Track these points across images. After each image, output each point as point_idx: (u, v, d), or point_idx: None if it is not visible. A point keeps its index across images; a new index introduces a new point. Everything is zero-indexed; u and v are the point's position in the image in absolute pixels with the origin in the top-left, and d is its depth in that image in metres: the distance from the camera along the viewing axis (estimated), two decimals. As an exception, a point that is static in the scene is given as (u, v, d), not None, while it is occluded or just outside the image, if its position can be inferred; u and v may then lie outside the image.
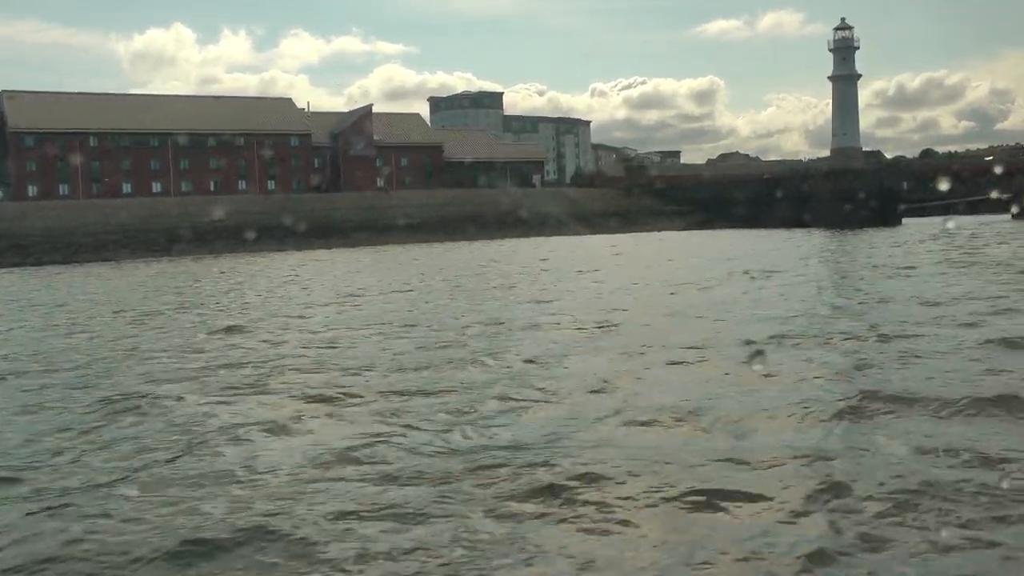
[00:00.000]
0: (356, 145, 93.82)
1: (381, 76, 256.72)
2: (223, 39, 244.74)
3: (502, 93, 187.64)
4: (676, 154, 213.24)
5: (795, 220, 69.66)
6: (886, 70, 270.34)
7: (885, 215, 67.29)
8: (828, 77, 76.74)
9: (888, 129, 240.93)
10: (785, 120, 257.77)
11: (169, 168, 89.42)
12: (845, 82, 75.84)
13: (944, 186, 56.75)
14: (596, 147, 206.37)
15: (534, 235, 66.17)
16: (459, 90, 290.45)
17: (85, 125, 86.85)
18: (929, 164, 75.85)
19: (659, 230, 73.27)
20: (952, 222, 45.26)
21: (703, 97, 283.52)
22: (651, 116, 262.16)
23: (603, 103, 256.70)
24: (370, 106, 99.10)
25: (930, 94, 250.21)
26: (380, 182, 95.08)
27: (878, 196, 67.52)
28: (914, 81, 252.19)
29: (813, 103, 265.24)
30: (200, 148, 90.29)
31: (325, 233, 68.11)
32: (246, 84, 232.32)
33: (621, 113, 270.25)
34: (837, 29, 75.17)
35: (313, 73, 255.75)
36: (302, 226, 64.34)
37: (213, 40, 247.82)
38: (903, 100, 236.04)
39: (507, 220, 70.14)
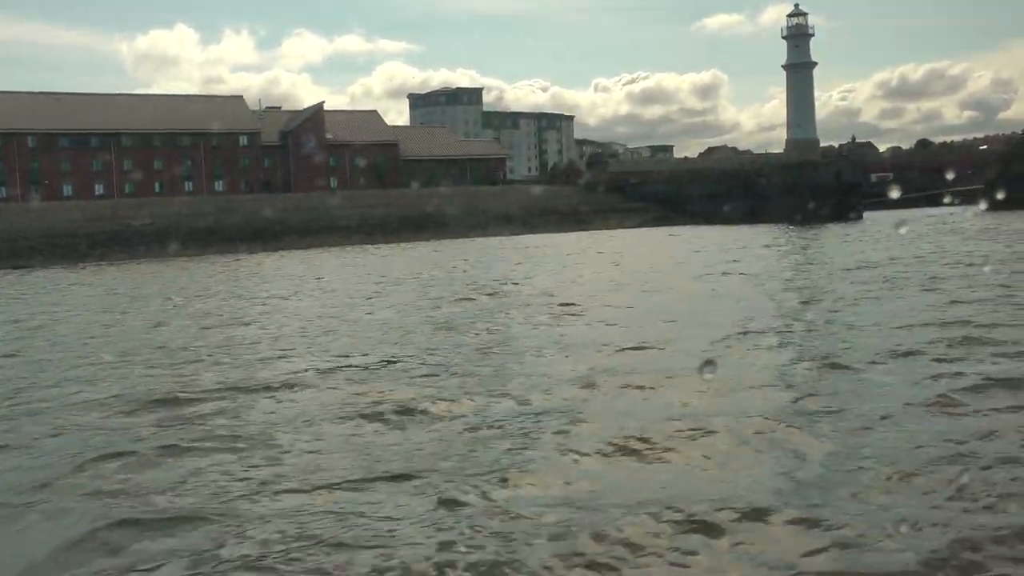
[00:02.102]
0: (307, 144, 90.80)
1: (384, 74, 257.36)
2: (226, 39, 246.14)
3: (481, 89, 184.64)
4: (669, 148, 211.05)
5: (752, 216, 66.85)
6: (888, 61, 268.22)
7: (843, 210, 64.40)
8: (782, 66, 73.35)
9: (892, 120, 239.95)
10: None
11: (112, 169, 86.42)
12: (799, 71, 72.31)
13: (895, 194, 54.44)
14: (581, 142, 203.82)
15: (451, 237, 62.96)
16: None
17: (23, 125, 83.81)
18: (892, 157, 73.04)
19: (612, 228, 70.27)
20: (904, 227, 42.27)
21: (706, 91, 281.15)
22: (654, 111, 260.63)
23: (606, 98, 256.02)
24: (321, 104, 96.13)
25: (933, 85, 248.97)
26: (334, 182, 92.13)
27: (836, 190, 64.65)
28: (917, 72, 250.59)
29: (817, 96, 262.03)
30: (145, 148, 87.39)
31: (257, 236, 65.23)
32: (249, 83, 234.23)
33: (624, 108, 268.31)
34: (791, 16, 71.69)
35: (316, 72, 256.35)
36: (231, 230, 61.39)
37: (216, 40, 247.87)
38: (906, 91, 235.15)
39: (433, 222, 67.02)
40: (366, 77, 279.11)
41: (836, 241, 40.11)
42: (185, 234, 65.22)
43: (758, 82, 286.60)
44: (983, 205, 65.01)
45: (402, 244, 62.13)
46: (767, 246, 38.61)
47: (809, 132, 72.02)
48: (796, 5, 71.17)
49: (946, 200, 60.50)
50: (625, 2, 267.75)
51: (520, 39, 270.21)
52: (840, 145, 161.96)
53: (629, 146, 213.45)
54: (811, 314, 15.01)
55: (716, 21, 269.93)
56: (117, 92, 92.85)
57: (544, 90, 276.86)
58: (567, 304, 17.97)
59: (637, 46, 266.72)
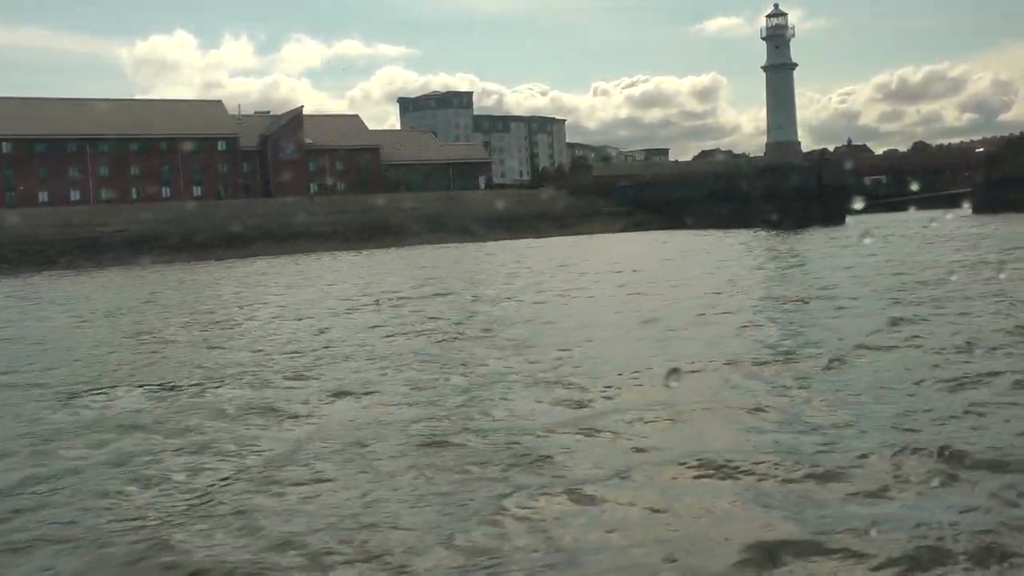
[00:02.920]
0: (285, 149, 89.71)
1: (383, 78, 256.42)
2: (225, 44, 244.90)
3: (471, 92, 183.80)
4: (664, 152, 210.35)
5: (735, 220, 65.77)
6: (888, 63, 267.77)
7: (826, 214, 63.29)
8: (761, 67, 72.13)
9: (892, 123, 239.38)
10: None
11: (88, 175, 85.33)
12: (779, 72, 71.15)
13: (858, 205, 53.61)
14: (573, 146, 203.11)
15: (423, 244, 61.83)
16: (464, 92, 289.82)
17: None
18: (866, 160, 72.06)
19: (594, 232, 69.32)
20: (868, 238, 41.17)
21: (705, 94, 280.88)
22: (654, 114, 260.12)
23: (606, 102, 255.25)
24: (300, 108, 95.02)
25: (933, 87, 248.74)
26: (314, 187, 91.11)
27: (817, 194, 63.60)
28: (916, 74, 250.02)
29: (816, 98, 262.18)
30: (121, 154, 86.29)
31: (229, 243, 64.31)
32: (249, 88, 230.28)
33: (623, 112, 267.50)
34: (770, 16, 70.45)
35: (315, 77, 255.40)
36: (199, 236, 60.43)
37: (215, 45, 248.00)
38: (906, 93, 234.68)
39: (404, 228, 65.94)
40: (365, 81, 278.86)
41: (807, 248, 39.13)
42: (156, 241, 64.30)
43: (758, 85, 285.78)
44: (967, 208, 64.17)
45: (376, 251, 61.17)
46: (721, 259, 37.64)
47: (790, 134, 70.84)
48: (776, 5, 70.07)
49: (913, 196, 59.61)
50: (624, 5, 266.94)
51: (519, 43, 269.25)
52: (835, 148, 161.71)
53: (627, 149, 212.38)
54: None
55: (715, 24, 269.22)
56: (93, 97, 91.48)
57: (543, 94, 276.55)
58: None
59: (636, 49, 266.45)
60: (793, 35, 71.67)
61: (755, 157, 75.14)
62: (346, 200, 79.41)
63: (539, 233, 70.48)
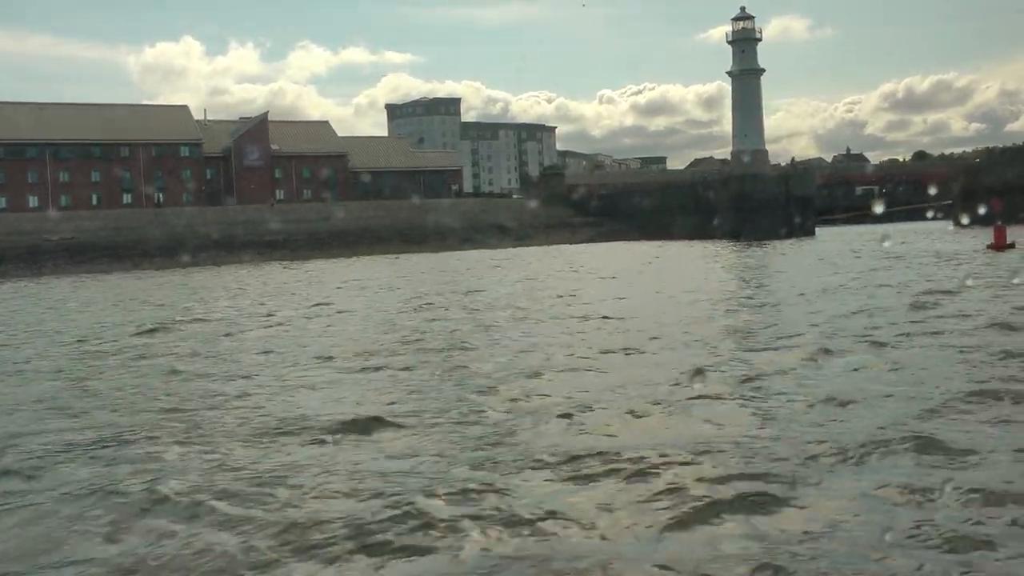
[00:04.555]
0: (250, 155, 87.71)
1: (388, 85, 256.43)
2: (231, 51, 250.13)
3: (459, 99, 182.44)
4: (662, 160, 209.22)
5: (700, 231, 63.69)
6: (895, 72, 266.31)
7: (793, 226, 61.10)
8: (727, 72, 69.80)
9: (898, 132, 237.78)
10: (794, 125, 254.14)
11: (48, 181, 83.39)
12: (746, 78, 68.73)
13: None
14: (564, 154, 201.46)
15: (384, 253, 60.00)
16: (468, 100, 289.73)
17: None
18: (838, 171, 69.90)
19: (551, 244, 67.41)
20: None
21: (711, 103, 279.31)
22: (659, 122, 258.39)
23: (612, 110, 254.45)
24: (265, 114, 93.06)
25: (939, 96, 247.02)
26: (280, 194, 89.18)
27: (784, 205, 61.44)
28: (923, 83, 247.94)
29: (823, 107, 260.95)
30: (83, 159, 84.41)
31: (171, 252, 62.73)
32: (255, 95, 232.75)
33: (629, 120, 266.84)
34: (736, 19, 67.86)
35: (321, 84, 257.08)
36: (144, 246, 58.86)
37: (221, 52, 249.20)
38: (912, 103, 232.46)
39: (365, 237, 64.13)
40: (371, 88, 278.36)
41: (767, 261, 36.96)
42: (100, 250, 62.69)
43: (764, 93, 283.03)
44: (935, 218, 61.84)
45: (332, 260, 59.35)
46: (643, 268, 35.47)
47: (756, 143, 68.45)
48: (742, 8, 67.65)
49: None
50: (630, 13, 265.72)
51: (526, 51, 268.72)
52: (833, 157, 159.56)
53: (622, 158, 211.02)
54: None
55: (721, 32, 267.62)
56: (54, 102, 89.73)
57: (549, 101, 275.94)
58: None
59: (642, 57, 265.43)
60: (760, 39, 69.51)
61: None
62: (305, 208, 77.53)
63: (497, 244, 68.55)
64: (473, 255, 57.28)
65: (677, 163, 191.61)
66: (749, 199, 60.56)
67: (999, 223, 33.18)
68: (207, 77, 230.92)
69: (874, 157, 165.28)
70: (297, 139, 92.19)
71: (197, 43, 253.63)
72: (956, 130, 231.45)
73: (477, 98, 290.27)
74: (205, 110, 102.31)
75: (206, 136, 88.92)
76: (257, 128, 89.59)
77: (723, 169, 71.66)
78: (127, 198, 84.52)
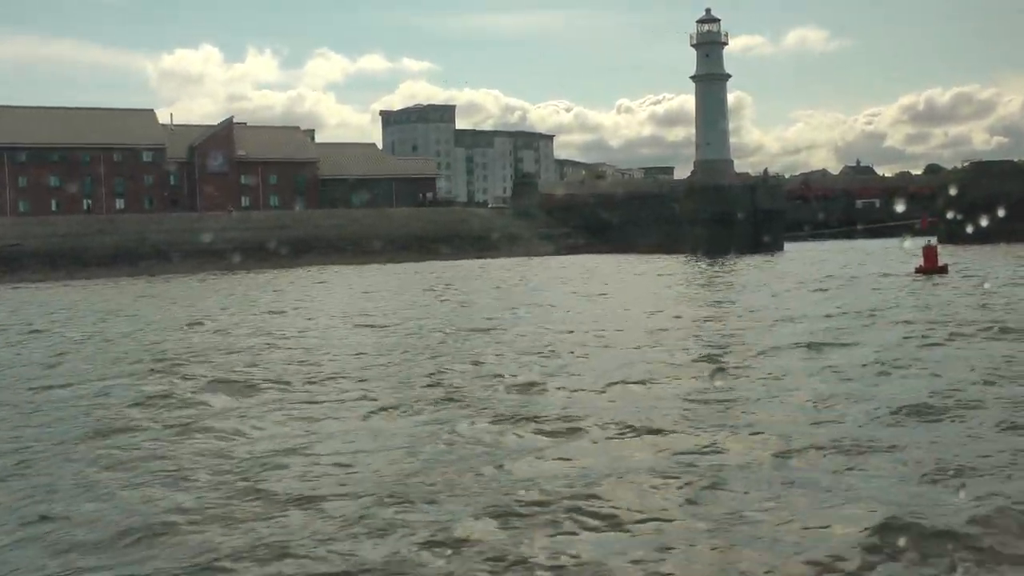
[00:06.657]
0: (214, 161, 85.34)
1: (405, 92, 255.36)
2: (249, 58, 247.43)
3: (454, 107, 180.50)
4: (669, 170, 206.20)
5: (666, 244, 60.92)
6: (915, 84, 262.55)
7: (759, 240, 58.23)
8: (690, 77, 66.89)
9: (918, 145, 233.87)
10: (812, 136, 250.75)
11: (5, 186, 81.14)
12: (710, 83, 65.86)
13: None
14: (562, 162, 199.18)
15: (342, 263, 57.85)
16: (487, 108, 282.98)
17: (-95, 138, 78.92)
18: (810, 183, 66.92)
19: (514, 256, 65.26)
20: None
21: (730, 113, 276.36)
22: (677, 132, 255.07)
23: (630, 120, 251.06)
24: (231, 119, 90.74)
25: (961, 109, 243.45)
26: (246, 201, 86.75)
27: (750, 219, 58.59)
28: (944, 96, 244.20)
29: (841, 119, 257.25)
30: (41, 164, 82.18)
31: (113, 261, 60.75)
32: (273, 102, 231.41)
33: (647, 130, 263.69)
34: (700, 22, 64.89)
35: (339, 90, 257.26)
36: (89, 253, 57.11)
37: (239, 59, 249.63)
38: (933, 115, 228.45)
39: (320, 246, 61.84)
40: (389, 95, 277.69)
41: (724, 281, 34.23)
42: (42, 257, 60.70)
43: (782, 105, 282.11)
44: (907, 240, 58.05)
45: (286, 269, 57.14)
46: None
47: (721, 152, 65.50)
48: (708, 11, 64.64)
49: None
50: (650, 22, 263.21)
51: (544, 59, 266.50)
52: (842, 168, 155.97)
53: (635, 167, 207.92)
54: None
55: (739, 43, 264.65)
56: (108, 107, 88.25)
57: (568, 110, 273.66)
58: None
59: (662, 67, 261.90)
60: (726, 43, 66.66)
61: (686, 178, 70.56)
62: (266, 217, 75.31)
63: (462, 255, 66.20)
64: (422, 267, 54.99)
65: (686, 173, 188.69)
66: (710, 212, 57.75)
67: (928, 243, 30.56)
68: (225, 84, 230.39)
69: (891, 170, 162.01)
70: (264, 145, 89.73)
71: (215, 50, 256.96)
72: (978, 143, 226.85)
73: (495, 106, 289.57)
74: (171, 114, 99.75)
75: (171, 141, 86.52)
76: (221, 133, 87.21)
77: (664, 180, 69.19)
78: (87, 204, 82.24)
